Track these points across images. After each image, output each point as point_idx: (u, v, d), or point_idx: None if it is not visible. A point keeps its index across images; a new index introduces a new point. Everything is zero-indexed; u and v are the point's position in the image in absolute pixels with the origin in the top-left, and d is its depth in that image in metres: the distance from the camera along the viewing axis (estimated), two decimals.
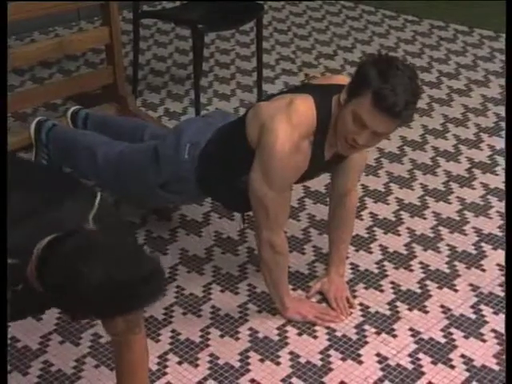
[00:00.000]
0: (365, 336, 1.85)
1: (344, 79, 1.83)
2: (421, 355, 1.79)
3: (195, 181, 1.94)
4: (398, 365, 1.77)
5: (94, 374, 1.75)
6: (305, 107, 1.74)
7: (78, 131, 2.43)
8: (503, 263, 2.11)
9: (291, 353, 1.81)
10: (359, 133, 1.67)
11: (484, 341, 1.84)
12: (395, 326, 1.88)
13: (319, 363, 1.78)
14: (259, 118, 1.79)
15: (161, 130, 2.34)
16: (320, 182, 2.46)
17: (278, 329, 1.88)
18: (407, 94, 1.63)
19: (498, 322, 1.89)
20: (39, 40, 3.56)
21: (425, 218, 2.33)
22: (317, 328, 1.88)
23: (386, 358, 1.78)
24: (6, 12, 1.65)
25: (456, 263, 2.12)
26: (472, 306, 1.95)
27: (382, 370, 1.75)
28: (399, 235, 2.25)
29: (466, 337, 1.85)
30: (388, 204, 2.40)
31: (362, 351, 1.81)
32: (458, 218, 2.32)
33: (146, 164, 2.02)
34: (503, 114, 2.97)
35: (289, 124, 1.72)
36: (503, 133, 2.83)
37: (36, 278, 1.23)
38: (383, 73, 1.63)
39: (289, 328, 1.88)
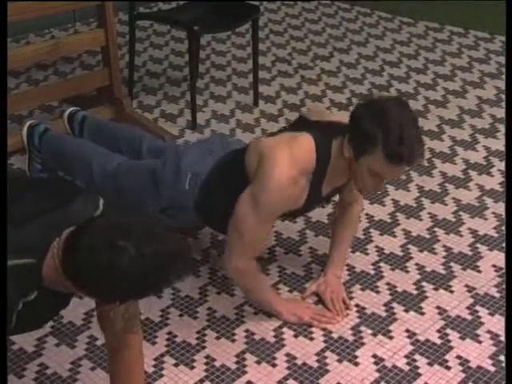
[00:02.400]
0: (361, 337, 1.86)
1: (343, 117, 1.81)
2: (417, 356, 1.79)
3: (195, 210, 1.96)
4: (395, 366, 1.77)
5: (89, 377, 1.74)
6: (306, 145, 1.74)
7: (72, 140, 2.40)
8: (499, 264, 2.12)
9: (287, 354, 1.81)
10: (378, 184, 1.71)
11: (480, 342, 1.84)
12: (391, 328, 1.89)
13: (315, 365, 1.78)
14: (259, 150, 1.78)
15: (159, 143, 2.31)
16: None
17: (274, 330, 1.88)
18: (414, 136, 1.64)
19: (493, 323, 1.90)
20: (35, 42, 3.56)
21: (421, 220, 2.33)
22: (313, 330, 1.88)
23: (382, 360, 1.79)
24: (6, 12, 1.65)
25: (452, 264, 2.12)
26: (468, 307, 1.95)
27: (379, 371, 1.75)
28: (395, 236, 2.25)
29: (461, 338, 1.85)
30: (384, 205, 2.40)
31: (358, 353, 1.81)
32: (453, 220, 2.33)
33: (144, 187, 2.01)
34: (498, 115, 2.97)
35: (290, 157, 1.72)
36: (499, 134, 2.84)
37: (61, 268, 1.24)
38: (383, 124, 1.62)
39: (285, 330, 1.88)
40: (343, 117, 1.81)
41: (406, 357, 1.79)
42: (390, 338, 1.85)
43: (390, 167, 1.66)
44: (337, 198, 2.04)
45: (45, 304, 1.32)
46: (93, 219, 1.30)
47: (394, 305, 1.96)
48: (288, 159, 1.71)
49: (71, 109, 2.56)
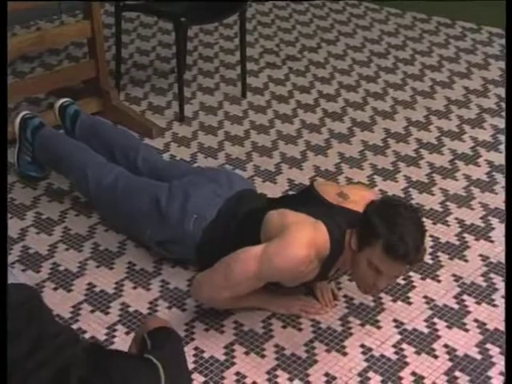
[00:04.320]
0: (349, 328, 1.87)
1: (357, 202, 1.82)
2: (404, 346, 1.81)
3: (195, 250, 1.95)
4: (382, 355, 1.78)
5: None
6: (324, 237, 1.74)
7: (67, 142, 2.35)
8: (485, 254, 2.13)
9: (276, 345, 1.81)
10: (377, 278, 1.71)
11: (466, 330, 1.85)
12: (379, 318, 1.90)
13: (304, 355, 1.79)
14: (284, 222, 1.76)
15: (156, 158, 2.29)
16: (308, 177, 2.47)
17: (262, 322, 1.89)
18: (416, 241, 1.67)
19: (480, 311, 1.91)
20: (20, 34, 3.52)
21: None
22: (301, 320, 1.89)
23: (370, 349, 1.80)
24: (6, 12, 1.63)
25: (439, 254, 2.14)
26: (455, 297, 1.97)
27: (367, 360, 1.77)
28: None
29: (448, 327, 1.86)
30: None
31: (346, 343, 1.82)
32: (440, 210, 2.34)
33: (145, 216, 2.00)
34: (485, 105, 2.99)
35: (312, 237, 1.72)
36: (485, 124, 2.85)
37: None
38: (390, 223, 1.66)
39: (273, 321, 1.89)
40: (358, 203, 1.81)
41: (394, 346, 1.81)
42: (378, 327, 1.87)
43: (388, 261, 1.67)
44: None
45: None
46: None
47: (382, 295, 1.97)
48: (310, 238, 1.72)
49: (63, 100, 2.52)
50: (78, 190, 2.29)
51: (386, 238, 1.66)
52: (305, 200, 1.91)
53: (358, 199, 1.85)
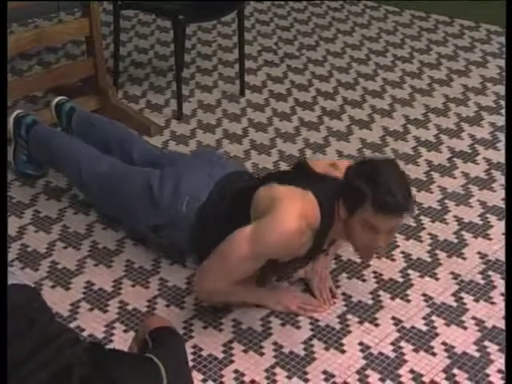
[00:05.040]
0: (348, 325, 1.87)
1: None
2: (403, 343, 1.81)
3: (188, 233, 1.94)
4: (381, 353, 1.78)
5: None
6: (314, 207, 1.74)
7: (61, 136, 2.36)
8: (484, 251, 2.13)
9: (275, 343, 1.82)
10: (376, 237, 1.70)
11: (465, 328, 1.86)
12: (378, 315, 1.90)
13: (302, 353, 1.79)
14: (272, 196, 1.76)
15: (150, 148, 2.28)
16: None
17: (261, 319, 1.89)
18: (402, 190, 1.67)
19: (478, 309, 1.92)
20: (18, 32, 3.51)
21: None
22: (300, 318, 1.89)
23: (368, 347, 1.80)
24: (6, 12, 1.62)
25: (437, 252, 2.14)
26: (453, 294, 1.97)
27: (365, 358, 1.77)
28: None
29: (447, 324, 1.87)
30: None
31: (344, 340, 1.82)
32: (439, 207, 2.34)
33: (138, 200, 2.00)
34: (484, 103, 2.99)
35: (301, 210, 1.71)
36: (484, 122, 2.85)
37: None
38: (372, 180, 1.66)
39: (272, 319, 1.89)
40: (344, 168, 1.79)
41: (392, 344, 1.81)
42: (377, 325, 1.87)
43: (381, 217, 1.66)
44: None
45: None
46: None
47: (381, 293, 1.97)
48: (300, 212, 1.71)
49: (59, 98, 2.52)
50: (73, 181, 2.28)
51: (372, 196, 1.65)
52: (294, 173, 1.92)
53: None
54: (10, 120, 2.41)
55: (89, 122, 2.41)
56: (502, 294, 1.94)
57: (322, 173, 1.85)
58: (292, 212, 1.70)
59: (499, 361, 1.75)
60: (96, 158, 2.17)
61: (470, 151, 2.66)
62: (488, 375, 1.72)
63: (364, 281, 2.02)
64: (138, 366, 1.34)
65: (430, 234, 2.22)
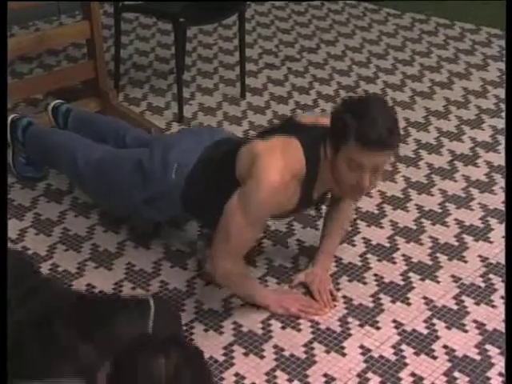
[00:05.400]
0: (348, 328, 1.86)
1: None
2: (404, 346, 1.81)
3: (180, 200, 1.94)
4: (381, 356, 1.78)
5: None
6: (296, 152, 1.74)
7: (57, 132, 2.39)
8: (484, 254, 2.13)
9: (275, 346, 1.81)
10: (361, 176, 1.68)
11: (466, 331, 1.85)
12: (378, 318, 1.90)
13: (303, 356, 1.78)
14: (252, 153, 1.77)
15: (144, 135, 2.30)
16: None
17: (261, 322, 1.89)
18: (387, 123, 1.65)
19: (479, 312, 1.91)
20: (19, 34, 3.52)
21: (407, 211, 2.34)
22: (300, 321, 1.89)
23: (369, 350, 1.80)
24: (6, 13, 1.63)
25: (438, 255, 2.14)
26: (454, 297, 1.97)
27: (366, 361, 1.77)
28: (382, 228, 2.26)
29: (448, 327, 1.86)
30: (371, 197, 2.41)
31: (345, 343, 1.82)
32: (440, 210, 2.34)
33: (129, 177, 2.00)
34: (484, 106, 2.99)
35: (282, 163, 1.72)
36: (485, 125, 2.85)
37: None
38: (356, 112, 1.65)
39: (272, 321, 1.89)
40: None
41: (393, 347, 1.81)
42: (377, 328, 1.86)
43: (365, 152, 1.65)
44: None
45: None
46: (134, 349, 1.20)
47: (381, 296, 1.97)
48: (280, 164, 1.71)
49: (55, 102, 2.54)
50: (69, 173, 2.27)
51: (355, 128, 1.63)
52: (280, 126, 1.93)
53: None
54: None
55: (83, 120, 2.42)
56: (503, 297, 1.94)
57: (310, 123, 1.84)
58: (271, 168, 1.70)
59: (500, 364, 1.74)
60: (90, 147, 2.18)
61: (470, 154, 2.66)
62: (489, 378, 1.72)
63: (365, 284, 2.02)
64: (122, 304, 1.38)
65: (430, 236, 2.21)
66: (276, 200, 1.72)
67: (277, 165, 1.71)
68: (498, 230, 2.22)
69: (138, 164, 1.99)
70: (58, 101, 2.54)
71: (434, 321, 1.89)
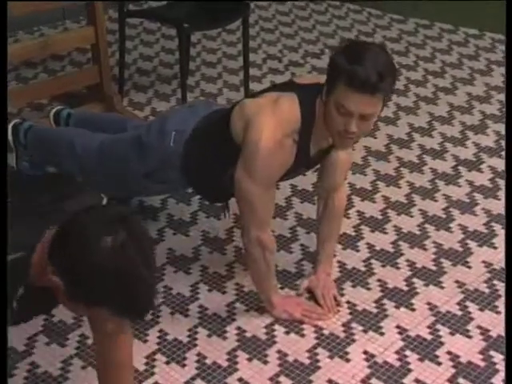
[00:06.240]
0: (352, 334, 1.86)
1: None
2: (408, 352, 1.80)
3: (180, 169, 1.94)
4: (385, 362, 1.77)
5: (80, 376, 1.74)
6: (289, 106, 1.75)
7: (56, 128, 2.40)
8: (489, 260, 2.13)
9: (279, 351, 1.81)
10: (348, 122, 1.67)
11: (470, 337, 1.85)
12: (382, 324, 1.89)
13: (307, 361, 1.78)
14: (244, 115, 1.80)
15: (143, 123, 2.33)
16: (307, 181, 2.47)
17: (265, 328, 1.88)
18: (378, 66, 1.63)
19: (483, 318, 1.91)
20: (24, 40, 3.53)
21: (411, 216, 2.34)
22: (304, 326, 1.89)
23: (373, 356, 1.79)
24: (6, 12, 1.63)
25: (442, 260, 2.13)
26: (458, 303, 1.96)
27: (370, 367, 1.76)
28: (386, 233, 2.26)
29: (452, 333, 1.86)
30: (375, 202, 2.41)
31: (349, 349, 1.81)
32: (444, 216, 2.34)
33: (129, 152, 2.01)
34: (488, 111, 2.99)
35: (274, 121, 1.73)
36: (488, 130, 2.85)
37: (48, 261, 1.22)
38: (350, 55, 1.65)
39: (276, 327, 1.89)
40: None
41: (397, 353, 1.80)
42: (381, 334, 1.86)
43: (352, 94, 1.63)
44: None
45: (31, 302, 1.31)
46: (86, 211, 1.26)
47: (385, 301, 1.97)
48: (272, 123, 1.72)
49: (57, 108, 2.54)
50: (69, 165, 2.24)
51: (346, 68, 1.62)
52: (277, 86, 1.94)
53: None
54: (9, 129, 2.42)
55: (84, 119, 2.43)
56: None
57: (305, 82, 1.84)
58: (264, 129, 1.72)
59: (504, 370, 1.74)
60: (90, 136, 2.19)
61: (474, 159, 2.66)
62: None
63: (369, 289, 2.01)
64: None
65: (434, 242, 2.21)
66: (275, 160, 1.74)
67: (267, 126, 1.72)
68: (502, 236, 2.22)
69: (136, 139, 2.00)
70: (59, 106, 2.55)
71: (438, 326, 1.88)
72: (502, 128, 2.85)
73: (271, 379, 1.73)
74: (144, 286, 1.22)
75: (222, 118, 1.89)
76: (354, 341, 1.84)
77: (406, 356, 1.79)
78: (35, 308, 1.40)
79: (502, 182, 2.51)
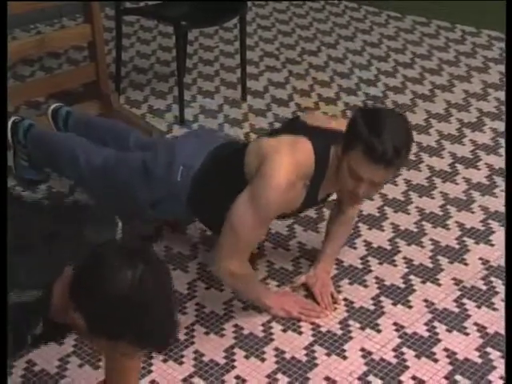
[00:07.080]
0: (349, 331, 1.86)
1: (341, 124, 1.81)
2: (404, 349, 1.81)
3: (186, 203, 1.95)
4: (382, 359, 1.78)
5: (77, 373, 1.74)
6: (305, 151, 1.76)
7: (58, 134, 2.39)
8: (486, 257, 2.13)
9: (276, 349, 1.81)
10: (358, 186, 1.70)
11: (467, 334, 1.85)
12: (379, 321, 1.89)
13: (304, 359, 1.78)
14: (261, 152, 1.79)
15: (146, 138, 2.31)
16: None
17: (262, 325, 1.89)
18: (396, 141, 1.65)
19: (480, 315, 1.91)
20: (20, 37, 3.53)
21: (408, 213, 2.34)
22: (301, 324, 1.89)
23: (370, 353, 1.79)
24: (6, 12, 1.63)
25: (439, 257, 2.13)
26: (455, 300, 1.97)
27: (367, 364, 1.76)
28: (383, 230, 2.26)
29: (449, 330, 1.86)
30: (372, 199, 2.41)
31: (346, 346, 1.82)
32: (441, 213, 2.34)
33: (134, 180, 2.00)
34: (485, 109, 2.99)
35: (291, 162, 1.73)
36: (485, 128, 2.85)
37: (69, 298, 1.22)
38: (371, 123, 1.66)
39: (273, 324, 1.89)
40: (342, 124, 1.80)
41: (394, 350, 1.80)
42: (378, 331, 1.86)
43: (367, 163, 1.66)
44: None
45: (47, 338, 1.31)
46: (104, 245, 1.26)
47: (382, 298, 1.97)
48: (288, 163, 1.73)
49: (55, 105, 2.54)
50: (71, 174, 2.25)
51: (365, 138, 1.64)
52: (288, 126, 1.94)
53: (344, 125, 1.79)
54: (7, 128, 2.41)
55: (84, 124, 2.42)
56: (504, 300, 1.94)
57: (318, 126, 1.86)
58: (280, 167, 1.72)
59: (501, 367, 1.74)
60: (92, 148, 2.19)
61: (471, 157, 2.66)
62: (490, 382, 1.72)
63: (366, 286, 2.02)
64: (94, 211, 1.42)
65: (431, 239, 2.21)
66: (284, 199, 1.74)
67: (284, 165, 1.72)
68: (499, 233, 2.22)
69: (142, 166, 2.00)
70: (57, 104, 2.54)
71: (435, 324, 1.89)
72: (498, 125, 2.85)
73: (268, 376, 1.74)
74: (165, 318, 1.22)
75: (234, 155, 1.88)
76: (351, 338, 1.84)
77: (403, 353, 1.79)
78: (48, 341, 1.39)
79: (498, 180, 2.51)
